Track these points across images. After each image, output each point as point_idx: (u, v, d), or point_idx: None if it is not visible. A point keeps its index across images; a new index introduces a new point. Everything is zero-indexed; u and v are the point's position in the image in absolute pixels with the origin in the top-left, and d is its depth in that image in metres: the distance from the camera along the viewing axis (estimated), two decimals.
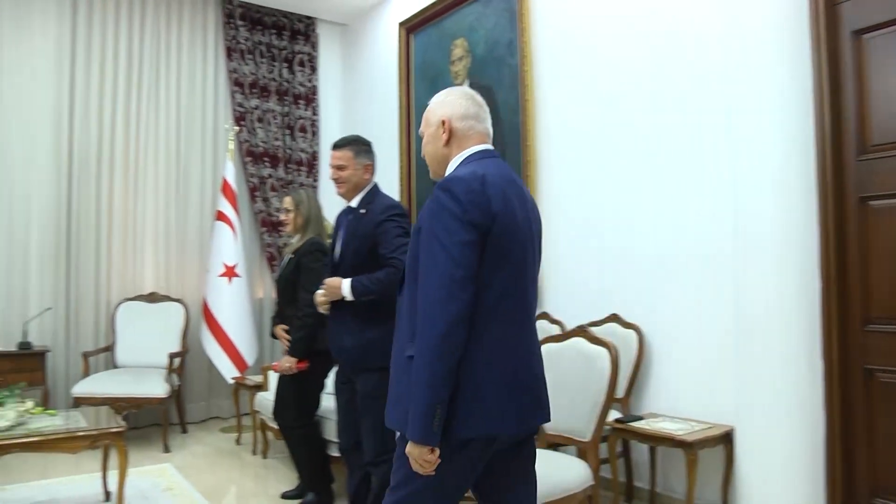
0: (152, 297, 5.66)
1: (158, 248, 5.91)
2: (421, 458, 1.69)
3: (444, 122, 1.92)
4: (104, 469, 3.83)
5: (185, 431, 5.47)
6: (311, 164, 6.51)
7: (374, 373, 2.93)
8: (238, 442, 5.17)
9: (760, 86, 3.03)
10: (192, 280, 6.00)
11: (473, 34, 5.13)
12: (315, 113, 6.57)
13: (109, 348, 5.45)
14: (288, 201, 3.84)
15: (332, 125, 6.64)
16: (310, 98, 6.56)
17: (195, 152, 6.08)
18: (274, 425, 4.09)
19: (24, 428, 3.31)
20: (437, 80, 5.48)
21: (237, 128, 6.10)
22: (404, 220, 2.97)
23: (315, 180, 6.46)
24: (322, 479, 3.74)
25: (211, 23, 6.20)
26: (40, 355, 5.06)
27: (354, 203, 3.12)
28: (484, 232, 1.72)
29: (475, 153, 1.90)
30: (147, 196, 5.90)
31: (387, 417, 1.85)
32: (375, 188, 3.13)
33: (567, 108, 4.38)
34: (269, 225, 6.23)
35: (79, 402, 4.76)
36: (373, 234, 2.95)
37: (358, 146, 3.11)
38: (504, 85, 4.80)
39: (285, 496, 3.86)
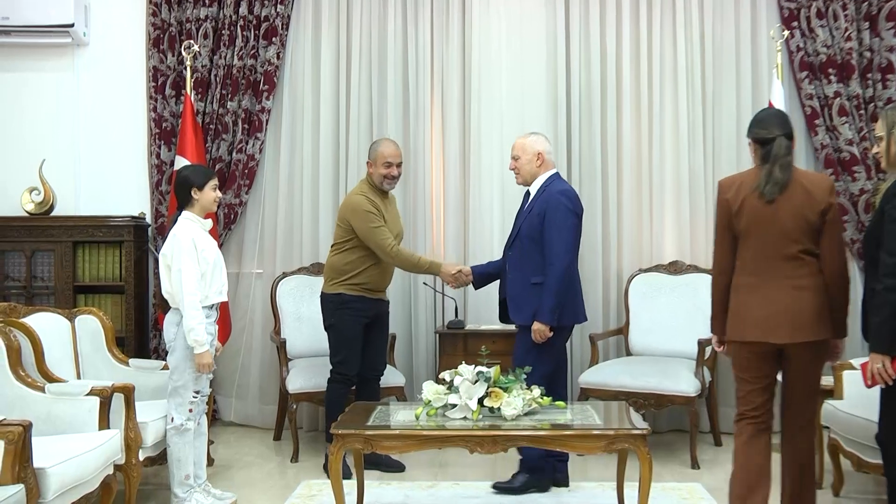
0: (674, 268, 5.55)
1: (681, 204, 5.68)
2: (543, 333, 4.06)
3: (539, 154, 4.20)
4: (620, 478, 3.86)
5: (717, 444, 5.23)
6: None
7: None
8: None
9: None
10: None
11: None
12: None
13: (622, 331, 5.56)
14: (878, 126, 3.52)
15: None
16: None
17: (727, 73, 5.67)
18: (853, 450, 3.90)
19: (532, 419, 3.53)
20: None
21: (786, 32, 5.51)
22: None
23: None
24: None
25: None
26: None
27: None
28: (580, 218, 4.22)
29: (555, 174, 4.28)
30: (665, 136, 5.70)
31: (515, 317, 4.25)
32: None
33: None
34: (837, 164, 5.47)
35: (586, 394, 5.03)
36: None
37: None
38: None
39: None
